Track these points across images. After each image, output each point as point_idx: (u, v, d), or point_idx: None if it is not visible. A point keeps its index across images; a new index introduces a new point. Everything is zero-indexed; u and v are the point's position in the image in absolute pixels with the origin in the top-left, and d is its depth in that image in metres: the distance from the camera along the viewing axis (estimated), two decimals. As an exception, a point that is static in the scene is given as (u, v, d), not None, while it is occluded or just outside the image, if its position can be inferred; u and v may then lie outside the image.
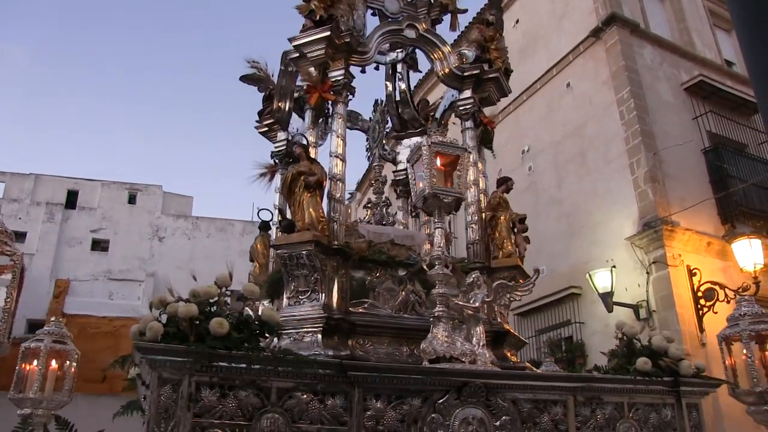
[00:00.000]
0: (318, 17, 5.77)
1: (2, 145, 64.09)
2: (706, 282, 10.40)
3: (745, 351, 5.33)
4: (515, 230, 6.04)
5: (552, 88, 14.39)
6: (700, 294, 10.23)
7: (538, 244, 13.80)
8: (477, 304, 5.02)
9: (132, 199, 27.10)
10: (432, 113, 7.04)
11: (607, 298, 10.79)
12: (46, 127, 68.47)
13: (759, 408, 5.24)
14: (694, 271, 10.57)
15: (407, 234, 6.24)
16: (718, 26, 15.68)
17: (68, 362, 6.18)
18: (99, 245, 25.48)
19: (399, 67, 7.26)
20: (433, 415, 4.39)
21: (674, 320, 9.99)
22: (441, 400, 4.43)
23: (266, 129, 6.79)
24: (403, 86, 7.17)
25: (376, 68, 7.22)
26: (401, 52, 7.05)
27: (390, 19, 6.26)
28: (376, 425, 4.25)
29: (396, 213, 7.11)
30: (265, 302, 6.07)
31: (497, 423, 4.49)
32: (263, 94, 6.86)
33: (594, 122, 12.91)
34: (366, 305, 5.44)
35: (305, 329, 5.11)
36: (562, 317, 12.54)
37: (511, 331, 5.71)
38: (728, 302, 9.82)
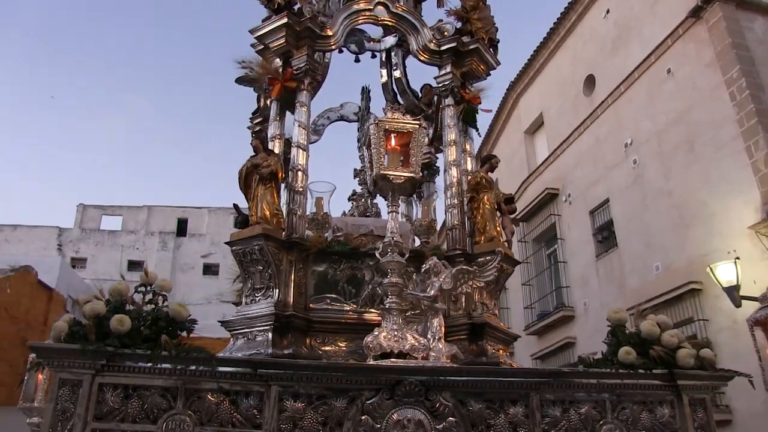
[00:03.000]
0: (276, 5, 5.54)
1: (119, 181, 69.12)
2: None
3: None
4: (501, 212, 5.45)
5: (651, 76, 13.67)
6: None
7: (649, 239, 13.10)
8: (432, 293, 4.54)
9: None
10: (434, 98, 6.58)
11: (732, 292, 10.03)
12: (156, 158, 73.16)
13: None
14: (834, 258, 9.41)
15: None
16: None
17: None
18: (210, 269, 26.68)
19: (393, 53, 6.86)
20: (362, 417, 3.98)
21: (815, 313, 8.94)
22: (370, 401, 4.00)
23: (258, 129, 6.60)
24: (398, 74, 6.75)
25: (373, 56, 6.88)
26: (395, 36, 6.66)
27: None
28: (293, 428, 3.91)
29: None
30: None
31: (440, 426, 4.01)
32: (257, 94, 6.67)
33: (700, 107, 12.11)
34: (327, 301, 5.10)
35: (258, 328, 4.86)
36: (682, 315, 11.86)
37: (492, 323, 5.11)
38: None
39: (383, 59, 6.93)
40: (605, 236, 14.80)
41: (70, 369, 3.80)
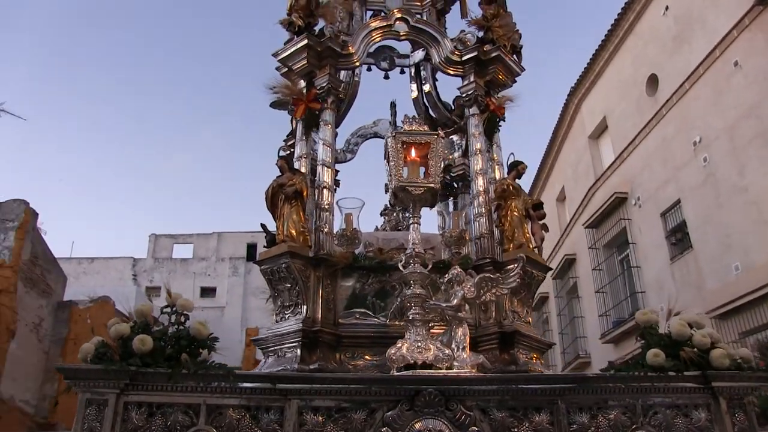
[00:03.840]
0: (297, 27, 5.67)
1: (190, 209, 71.05)
2: None
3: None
4: (530, 219, 5.36)
5: (717, 71, 13.05)
6: None
7: (726, 239, 12.62)
8: (455, 302, 4.51)
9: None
10: (469, 110, 6.54)
11: (824, 290, 9.40)
12: (223, 185, 74.76)
13: None
14: None
15: (422, 238, 5.80)
16: None
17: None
18: (281, 293, 27.09)
19: (422, 67, 6.86)
20: (382, 429, 3.97)
21: None
22: (390, 412, 3.99)
23: (291, 151, 6.72)
24: (428, 87, 6.73)
25: (402, 72, 6.91)
26: (423, 50, 6.67)
27: (381, 16, 5.99)
28: (313, 441, 3.92)
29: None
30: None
31: (462, 435, 3.95)
32: (291, 116, 6.79)
33: (773, 97, 11.49)
34: (356, 315, 5.13)
35: (287, 345, 4.92)
36: (768, 316, 11.30)
37: (523, 330, 5.00)
38: None
39: (413, 74, 6.94)
40: (679, 238, 14.28)
41: (96, 389, 3.95)
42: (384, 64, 6.82)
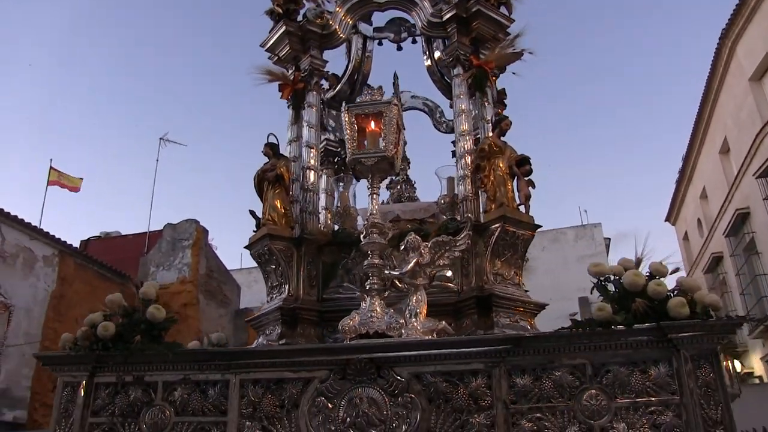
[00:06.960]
0: (277, 15, 5.79)
1: None
2: None
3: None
4: (515, 176, 5.06)
5: None
6: None
7: None
8: (407, 269, 4.43)
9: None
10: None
11: None
12: None
13: None
14: None
15: (418, 207, 5.70)
16: None
17: None
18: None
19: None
20: (318, 399, 3.99)
21: None
22: (324, 382, 4.00)
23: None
24: (438, 54, 6.48)
25: (414, 42, 6.75)
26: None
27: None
28: (253, 411, 4.06)
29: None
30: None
31: (395, 402, 3.88)
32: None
33: None
34: (340, 290, 5.16)
35: (271, 324, 5.07)
36: None
37: (501, 293, 4.71)
38: None
39: (424, 43, 6.74)
40: None
41: (70, 373, 4.37)
42: (403, 35, 6.71)
